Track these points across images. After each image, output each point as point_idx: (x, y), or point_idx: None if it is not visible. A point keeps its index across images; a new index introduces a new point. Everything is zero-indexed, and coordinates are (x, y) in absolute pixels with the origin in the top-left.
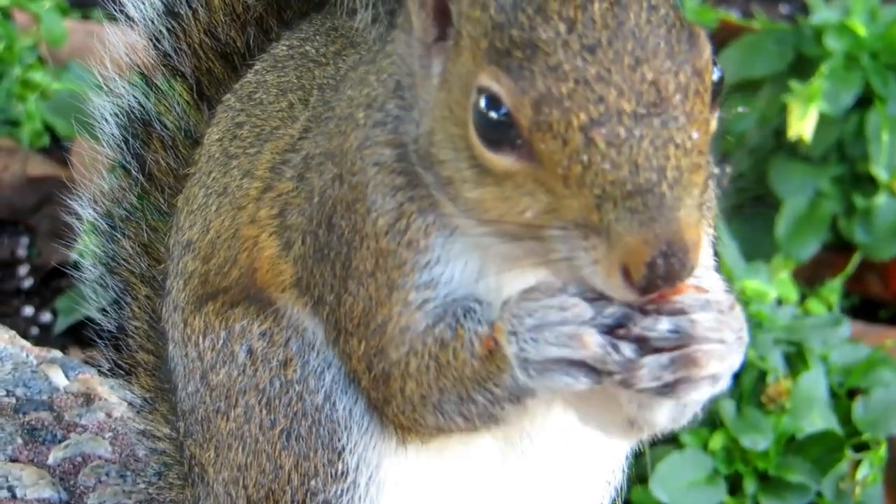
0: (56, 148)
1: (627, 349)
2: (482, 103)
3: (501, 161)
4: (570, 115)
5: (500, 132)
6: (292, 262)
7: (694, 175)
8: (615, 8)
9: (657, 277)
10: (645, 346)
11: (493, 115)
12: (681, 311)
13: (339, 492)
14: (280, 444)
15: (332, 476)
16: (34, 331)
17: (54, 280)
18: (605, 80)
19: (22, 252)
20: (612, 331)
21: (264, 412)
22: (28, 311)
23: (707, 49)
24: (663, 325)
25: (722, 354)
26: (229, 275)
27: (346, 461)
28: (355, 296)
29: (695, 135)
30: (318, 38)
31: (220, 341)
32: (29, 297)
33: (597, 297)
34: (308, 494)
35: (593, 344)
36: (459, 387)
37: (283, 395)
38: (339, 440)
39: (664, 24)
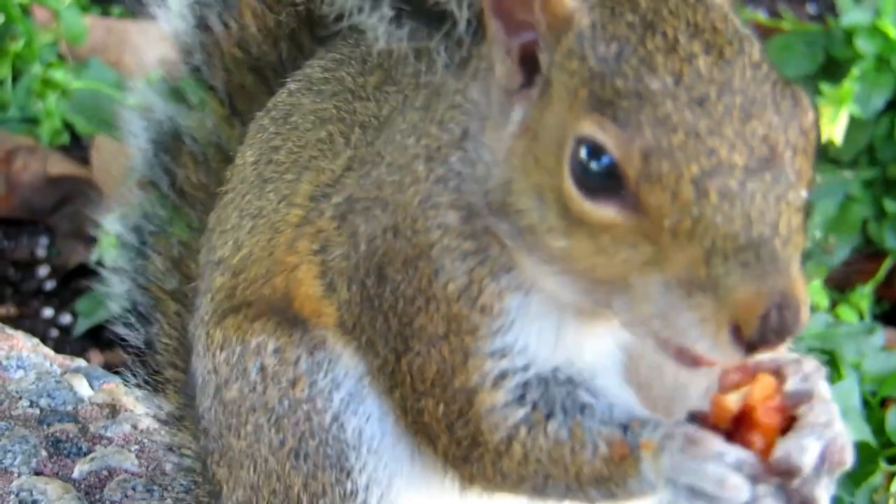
0: (76, 146)
1: None
2: (583, 153)
3: (601, 211)
4: (682, 167)
5: (601, 182)
6: (336, 305)
7: (800, 237)
8: (720, 62)
9: (770, 331)
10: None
11: (594, 165)
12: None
13: None
14: (289, 463)
15: (340, 496)
16: (53, 333)
17: (74, 281)
18: (716, 133)
19: (41, 252)
20: None
21: (273, 431)
22: (48, 312)
23: (811, 109)
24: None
25: (829, 486)
26: (258, 290)
27: (354, 481)
28: (425, 357)
29: (803, 193)
30: (353, 63)
31: (235, 356)
32: (48, 298)
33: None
34: None
35: None
36: (572, 480)
37: (292, 415)
38: (346, 460)
39: (768, 81)
